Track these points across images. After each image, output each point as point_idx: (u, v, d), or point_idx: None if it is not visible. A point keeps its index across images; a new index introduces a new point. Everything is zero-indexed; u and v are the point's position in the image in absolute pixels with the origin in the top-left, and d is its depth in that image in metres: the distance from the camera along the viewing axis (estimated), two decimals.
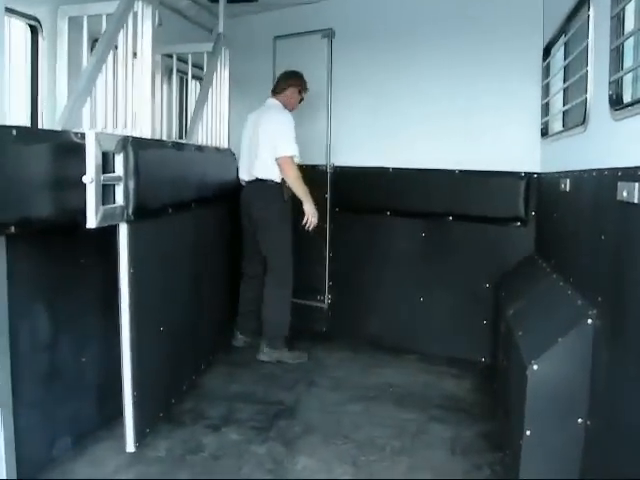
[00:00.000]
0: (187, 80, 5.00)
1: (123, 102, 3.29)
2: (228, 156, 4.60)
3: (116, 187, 2.87)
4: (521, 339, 2.99)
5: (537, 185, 4.31)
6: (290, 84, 4.76)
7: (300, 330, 5.26)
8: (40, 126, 3.65)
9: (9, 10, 3.42)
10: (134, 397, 3.05)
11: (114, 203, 2.85)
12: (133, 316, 3.00)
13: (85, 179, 2.59)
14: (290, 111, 4.70)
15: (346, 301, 5.27)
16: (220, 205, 4.36)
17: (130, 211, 2.91)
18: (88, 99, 2.94)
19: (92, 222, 2.62)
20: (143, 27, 3.47)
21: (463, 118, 4.63)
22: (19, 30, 3.69)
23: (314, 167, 5.30)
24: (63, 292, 2.98)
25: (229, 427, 3.47)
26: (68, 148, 2.64)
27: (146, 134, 3.41)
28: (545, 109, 4.13)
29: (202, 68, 4.64)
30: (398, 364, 4.56)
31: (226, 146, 4.63)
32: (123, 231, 2.93)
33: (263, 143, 4.53)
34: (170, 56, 4.84)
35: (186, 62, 4.67)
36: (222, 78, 4.56)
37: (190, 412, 3.63)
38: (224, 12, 4.84)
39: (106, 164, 2.81)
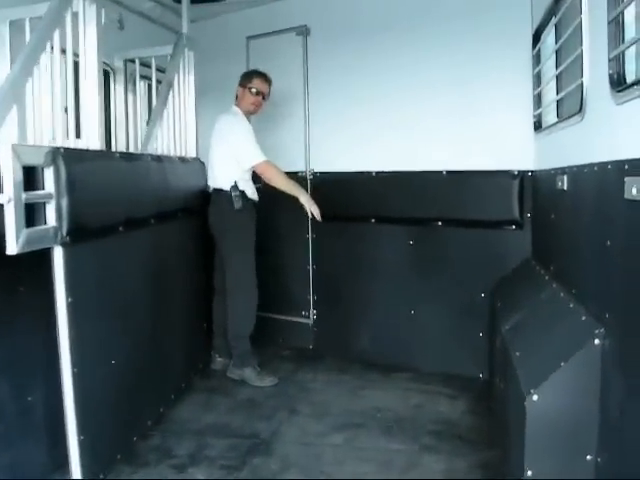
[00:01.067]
0: (152, 87, 4.63)
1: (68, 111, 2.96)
2: (196, 166, 4.22)
3: (47, 206, 2.51)
4: (519, 362, 2.63)
5: (532, 184, 3.93)
6: (238, 84, 4.42)
7: (284, 348, 4.93)
8: None
9: None
10: (81, 441, 2.67)
11: (45, 224, 2.49)
12: (74, 351, 2.62)
13: (1, 199, 2.22)
14: (248, 114, 4.38)
15: (332, 316, 4.90)
16: (188, 219, 3.99)
17: (64, 232, 2.54)
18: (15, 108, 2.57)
19: (13, 248, 2.26)
20: (86, 28, 3.11)
21: (450, 115, 4.25)
22: None
23: (292, 174, 4.94)
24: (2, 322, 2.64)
25: (197, 467, 3.10)
26: None
27: (93, 145, 3.06)
28: (537, 100, 3.76)
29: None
30: (388, 385, 4.18)
31: (194, 155, 4.26)
32: (58, 255, 2.55)
33: (215, 152, 4.30)
34: (133, 61, 4.48)
35: (150, 67, 4.30)
36: (187, 82, 4.20)
37: (155, 450, 3.26)
38: (192, 14, 4.53)
39: (35, 180, 2.46)
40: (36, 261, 2.54)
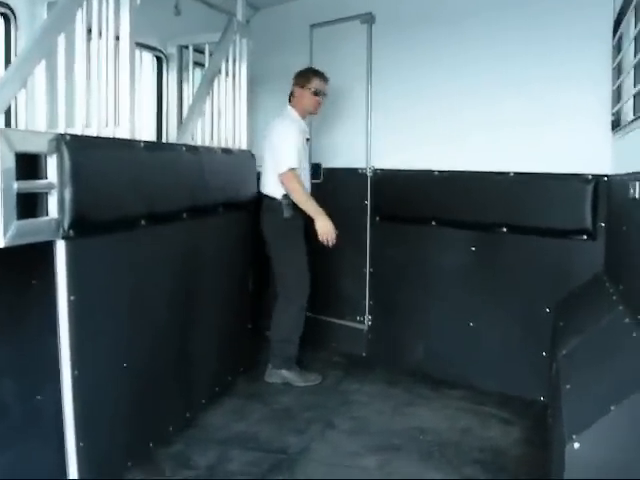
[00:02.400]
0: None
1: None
2: (244, 159, 4.01)
3: (49, 197, 2.35)
4: (566, 397, 2.27)
5: (607, 190, 3.49)
6: (294, 84, 4.22)
7: (335, 354, 4.68)
8: None
9: (140, 45, 4.00)
10: (80, 447, 2.51)
11: (47, 216, 2.33)
12: (75, 352, 2.46)
13: None
14: (305, 114, 4.23)
15: (388, 323, 4.59)
16: (231, 215, 3.78)
17: (67, 225, 2.37)
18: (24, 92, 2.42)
19: (0, 240, 2.10)
20: (120, 9, 2.95)
21: (520, 112, 3.85)
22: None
23: (353, 170, 4.68)
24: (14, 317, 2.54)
25: None
26: None
27: (123, 134, 2.90)
28: (617, 95, 3.32)
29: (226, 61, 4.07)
30: (437, 402, 3.84)
31: (244, 147, 4.05)
32: (60, 249, 2.40)
33: (266, 157, 4.14)
34: (187, 47, 4.33)
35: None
36: (238, 70, 3.99)
37: (173, 458, 3.08)
38: (256, 1, 4.50)
39: (38, 169, 2.31)
40: (50, 253, 2.41)
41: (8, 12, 3.19)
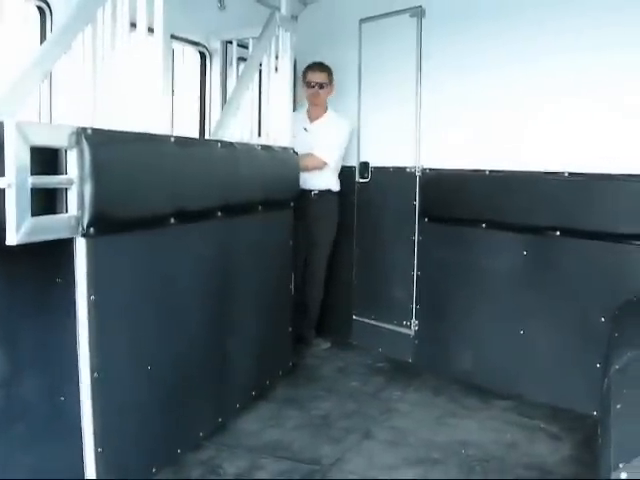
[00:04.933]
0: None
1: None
2: (286, 156, 3.89)
3: (69, 193, 2.27)
4: (616, 418, 2.06)
5: None
6: None
7: (380, 359, 4.55)
8: None
9: (183, 40, 4.08)
10: (99, 453, 2.43)
11: (66, 212, 2.26)
12: (95, 354, 2.38)
13: (1, 182, 1.99)
14: (309, 107, 4.69)
15: (435, 328, 4.39)
16: (271, 213, 3.66)
17: (87, 222, 2.28)
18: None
19: (12, 238, 2.02)
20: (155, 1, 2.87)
21: (576, 108, 3.61)
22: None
23: (401, 169, 4.51)
24: (38, 315, 2.48)
25: None
26: None
27: (154, 129, 2.81)
28: None
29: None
30: (483, 413, 3.63)
31: (286, 144, 3.93)
32: (80, 247, 2.32)
33: None
34: (231, 42, 4.25)
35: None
36: (281, 65, 3.88)
37: (202, 465, 2.97)
38: None
39: (58, 163, 2.23)
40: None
41: (43, 5, 3.14)
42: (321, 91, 4.52)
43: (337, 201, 4.70)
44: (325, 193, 4.61)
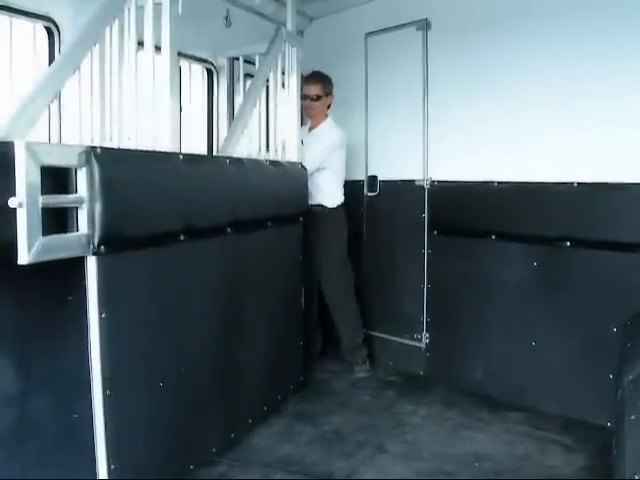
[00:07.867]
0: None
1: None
2: (295, 171, 3.90)
3: (79, 211, 2.29)
4: (631, 428, 2.05)
5: None
6: None
7: (392, 372, 4.53)
8: None
9: (190, 57, 4.16)
10: (112, 470, 2.43)
11: (77, 231, 2.28)
12: (107, 371, 2.39)
13: (12, 202, 2.01)
14: (308, 120, 4.57)
15: (446, 341, 4.38)
16: (280, 229, 3.67)
17: (97, 241, 2.30)
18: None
19: (24, 257, 2.04)
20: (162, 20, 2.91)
21: (584, 117, 3.62)
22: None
23: (409, 182, 4.51)
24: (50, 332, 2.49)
25: None
26: None
27: (164, 147, 2.83)
28: None
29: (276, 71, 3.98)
30: (496, 426, 3.61)
31: (294, 159, 3.95)
32: (91, 266, 2.33)
33: None
34: (238, 59, 4.28)
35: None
36: (288, 81, 3.90)
37: None
38: (311, 12, 4.52)
39: (68, 183, 2.25)
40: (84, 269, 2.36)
41: (52, 26, 3.18)
42: (315, 103, 4.38)
43: (335, 217, 4.45)
44: (316, 207, 4.32)
